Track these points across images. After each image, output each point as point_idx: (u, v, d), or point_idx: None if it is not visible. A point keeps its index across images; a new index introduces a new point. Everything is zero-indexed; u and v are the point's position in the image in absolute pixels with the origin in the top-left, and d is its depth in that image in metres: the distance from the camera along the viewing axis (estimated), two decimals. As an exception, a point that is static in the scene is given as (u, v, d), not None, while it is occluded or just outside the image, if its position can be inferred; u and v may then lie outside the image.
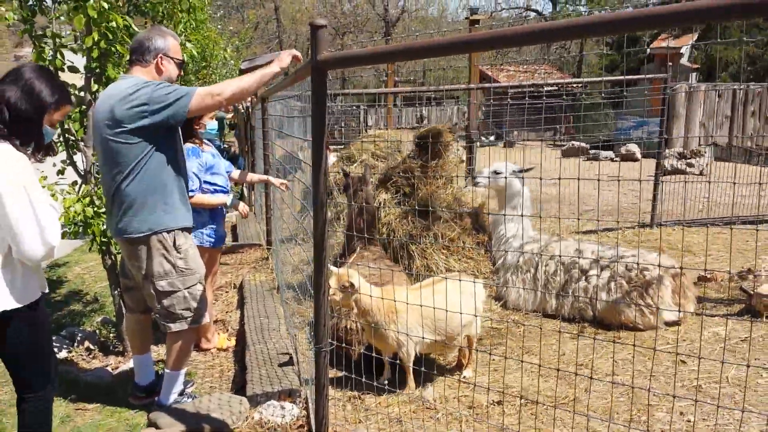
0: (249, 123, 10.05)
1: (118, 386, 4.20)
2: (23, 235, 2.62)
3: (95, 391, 4.11)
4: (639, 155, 15.71)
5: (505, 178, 5.35)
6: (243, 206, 4.99)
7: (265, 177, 5.49)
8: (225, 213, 4.86)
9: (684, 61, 20.78)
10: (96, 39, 4.26)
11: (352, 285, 3.60)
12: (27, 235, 2.62)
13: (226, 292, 6.18)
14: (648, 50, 22.08)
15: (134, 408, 3.89)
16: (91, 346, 4.83)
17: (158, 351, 4.59)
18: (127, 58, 4.53)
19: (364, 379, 3.40)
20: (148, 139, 3.37)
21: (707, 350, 4.12)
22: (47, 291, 2.96)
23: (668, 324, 4.65)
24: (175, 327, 3.61)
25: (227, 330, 5.26)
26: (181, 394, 3.83)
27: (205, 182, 4.55)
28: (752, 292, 4.69)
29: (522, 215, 5.39)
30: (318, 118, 2.70)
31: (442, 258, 5.34)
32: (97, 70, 4.42)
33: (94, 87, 4.44)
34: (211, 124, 4.80)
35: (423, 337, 3.76)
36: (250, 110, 9.85)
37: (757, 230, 7.19)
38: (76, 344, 4.82)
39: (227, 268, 6.93)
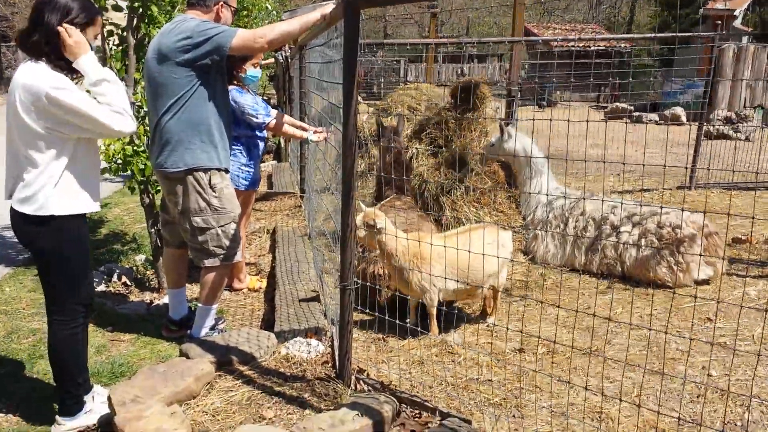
0: (288, 73, 10.04)
1: (152, 320, 4.35)
2: (100, 116, 2.71)
3: (130, 324, 4.27)
4: (684, 118, 15.30)
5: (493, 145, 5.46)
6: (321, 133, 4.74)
7: (300, 124, 5.28)
8: (260, 156, 4.89)
9: (737, 23, 20.04)
10: (138, -22, 4.31)
11: (375, 224, 3.64)
12: (103, 114, 2.72)
13: (259, 236, 6.30)
14: (701, 11, 21.31)
15: (167, 340, 4.04)
16: (128, 282, 5.00)
17: (193, 289, 4.73)
18: (168, -1, 4.62)
19: (387, 318, 3.35)
20: (192, 75, 3.47)
21: (734, 310, 4.09)
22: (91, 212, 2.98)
23: (698, 283, 4.62)
24: (208, 262, 3.73)
25: (259, 272, 5.39)
26: (213, 329, 3.97)
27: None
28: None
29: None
30: (349, 57, 2.72)
31: (473, 210, 5.36)
32: (140, 10, 4.47)
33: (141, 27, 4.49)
34: (253, 71, 4.77)
35: (446, 284, 3.80)
36: (289, 60, 9.83)
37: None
38: (113, 279, 4.99)
39: (261, 215, 7.05)
